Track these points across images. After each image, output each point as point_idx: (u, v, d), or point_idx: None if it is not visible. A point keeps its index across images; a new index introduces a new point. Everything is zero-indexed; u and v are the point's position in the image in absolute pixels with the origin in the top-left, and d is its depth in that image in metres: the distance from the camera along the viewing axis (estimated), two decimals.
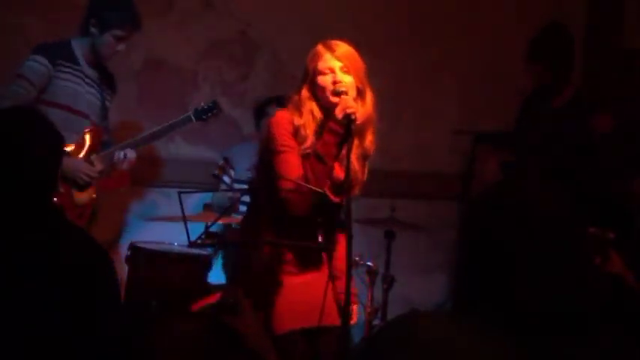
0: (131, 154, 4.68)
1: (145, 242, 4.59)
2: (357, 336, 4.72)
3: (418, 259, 5.72)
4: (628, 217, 4.36)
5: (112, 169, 4.72)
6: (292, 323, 3.46)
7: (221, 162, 5.30)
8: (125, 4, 4.60)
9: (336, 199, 3.44)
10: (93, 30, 4.58)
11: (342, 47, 3.44)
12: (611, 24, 5.76)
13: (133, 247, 4.50)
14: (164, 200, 5.47)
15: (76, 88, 4.59)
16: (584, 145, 4.84)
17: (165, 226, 4.94)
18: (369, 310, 4.73)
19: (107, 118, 4.79)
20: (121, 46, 4.63)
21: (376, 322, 4.79)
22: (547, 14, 5.24)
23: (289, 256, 3.50)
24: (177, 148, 5.57)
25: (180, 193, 3.43)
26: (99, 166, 4.64)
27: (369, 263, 4.80)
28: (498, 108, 5.60)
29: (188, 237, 3.41)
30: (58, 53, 4.56)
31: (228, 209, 4.65)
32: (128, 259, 4.48)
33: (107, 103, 4.77)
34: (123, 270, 4.41)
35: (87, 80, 4.64)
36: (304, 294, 3.48)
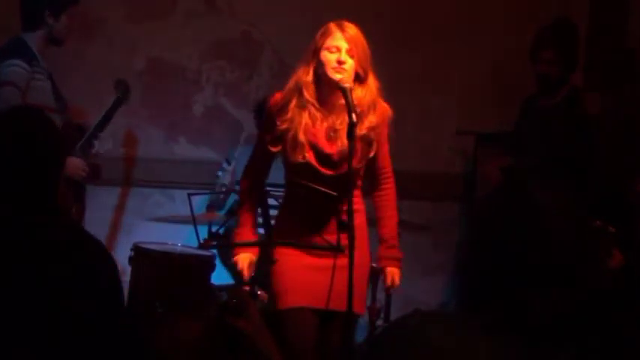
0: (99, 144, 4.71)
1: (148, 243, 4.59)
2: (360, 336, 4.72)
3: (421, 260, 5.71)
4: (628, 217, 4.36)
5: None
6: (304, 300, 3.51)
7: (224, 163, 5.31)
8: None
9: (329, 172, 3.54)
10: (49, 20, 4.48)
11: (352, 30, 3.50)
12: (615, 24, 5.76)
13: (136, 248, 4.50)
14: (167, 201, 5.47)
15: (45, 86, 4.52)
16: (580, 136, 4.84)
17: (168, 226, 4.95)
18: (372, 310, 4.73)
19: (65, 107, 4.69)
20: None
21: (379, 322, 4.79)
22: (550, 14, 5.23)
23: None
24: (180, 149, 5.57)
25: (190, 194, 3.41)
26: (83, 160, 4.63)
27: (372, 264, 4.79)
28: (501, 108, 5.60)
29: (198, 238, 3.41)
30: (28, 54, 4.47)
31: (236, 211, 4.64)
32: (131, 260, 4.48)
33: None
34: (125, 271, 4.41)
35: (46, 74, 4.55)
36: (319, 275, 3.56)
